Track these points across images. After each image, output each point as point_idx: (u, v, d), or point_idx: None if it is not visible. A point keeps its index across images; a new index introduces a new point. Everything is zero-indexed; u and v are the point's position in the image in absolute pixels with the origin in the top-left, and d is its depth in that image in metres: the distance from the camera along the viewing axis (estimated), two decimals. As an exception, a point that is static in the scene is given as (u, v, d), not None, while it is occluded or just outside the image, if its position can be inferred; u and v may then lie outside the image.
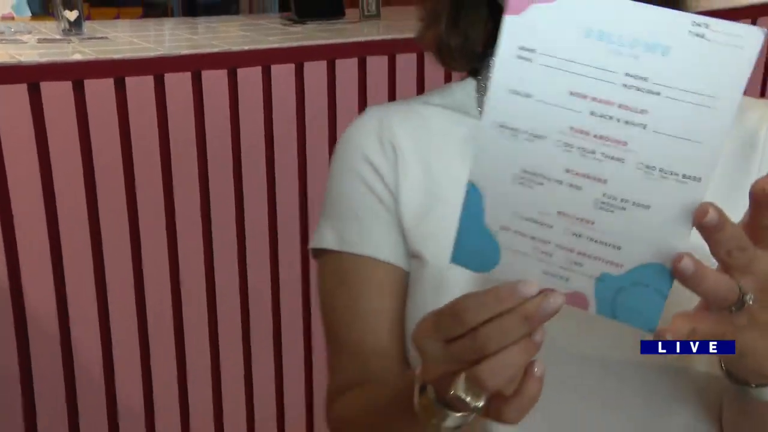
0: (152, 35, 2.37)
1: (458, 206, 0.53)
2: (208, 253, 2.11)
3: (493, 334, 0.50)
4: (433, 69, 2.26)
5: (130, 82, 1.95)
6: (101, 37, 2.25)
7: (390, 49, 2.28)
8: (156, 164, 2.02)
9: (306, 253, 2.17)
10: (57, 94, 1.88)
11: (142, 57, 1.98)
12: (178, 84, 2.02)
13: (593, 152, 0.49)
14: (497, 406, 0.54)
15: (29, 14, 2.29)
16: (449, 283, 0.73)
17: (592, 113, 0.48)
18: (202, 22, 2.72)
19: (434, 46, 0.83)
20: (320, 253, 0.84)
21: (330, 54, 2.20)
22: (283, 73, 2.14)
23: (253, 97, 2.12)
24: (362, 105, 2.26)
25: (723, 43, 0.45)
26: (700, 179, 0.48)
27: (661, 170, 0.48)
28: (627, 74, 0.47)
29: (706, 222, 0.48)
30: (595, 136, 0.48)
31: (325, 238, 0.83)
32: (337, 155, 0.85)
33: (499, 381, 0.51)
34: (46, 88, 1.86)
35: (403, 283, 0.79)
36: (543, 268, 0.52)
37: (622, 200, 0.49)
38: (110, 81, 1.93)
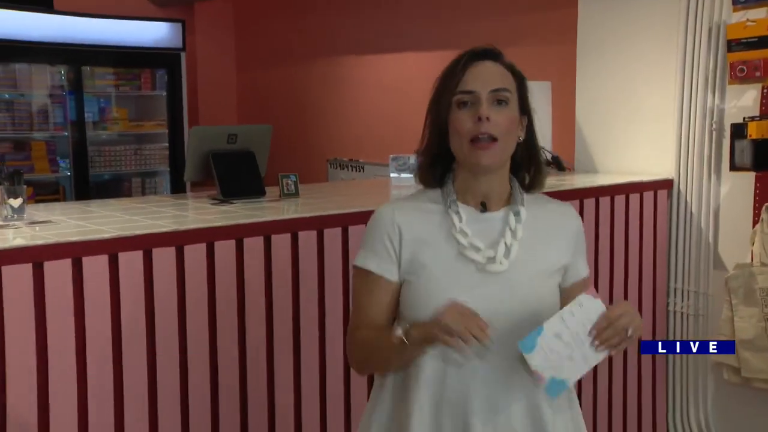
0: (95, 216, 2.46)
1: (433, 252, 1.52)
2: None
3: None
4: (356, 240, 2.44)
5: (86, 262, 2.04)
6: (45, 221, 2.33)
7: (318, 224, 2.48)
8: (108, 336, 2.08)
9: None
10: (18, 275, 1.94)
11: (98, 239, 2.08)
12: (131, 262, 2.12)
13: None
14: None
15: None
16: (425, 289, 1.52)
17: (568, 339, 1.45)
18: (132, 204, 2.84)
19: (423, 180, 1.64)
20: (356, 267, 1.59)
21: (266, 230, 2.37)
22: (224, 248, 2.29)
23: (197, 271, 2.24)
24: (295, 277, 2.42)
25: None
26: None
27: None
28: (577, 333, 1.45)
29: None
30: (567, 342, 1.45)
31: (359, 260, 1.59)
32: (373, 221, 1.60)
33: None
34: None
35: (393, 289, 1.56)
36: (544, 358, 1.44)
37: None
38: (68, 261, 2.01)
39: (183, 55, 5.73)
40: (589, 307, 1.44)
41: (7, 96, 5.28)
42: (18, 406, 1.96)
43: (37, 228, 2.23)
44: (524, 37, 4.30)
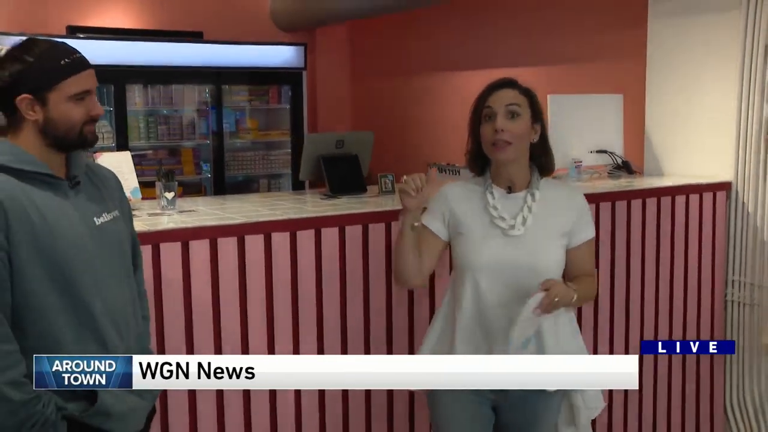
0: (228, 207, 2.81)
1: (474, 219, 2.01)
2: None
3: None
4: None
5: (220, 242, 2.37)
6: (190, 210, 2.69)
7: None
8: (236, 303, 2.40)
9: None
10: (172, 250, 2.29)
11: (229, 224, 2.41)
12: (254, 243, 2.43)
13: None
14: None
15: (140, 197, 2.73)
16: (468, 244, 2.01)
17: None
18: (258, 198, 3.18)
19: (471, 170, 2.11)
20: (423, 225, 2.03)
21: (364, 220, 2.64)
22: (329, 234, 2.57)
23: (308, 252, 2.53)
24: (388, 259, 2.67)
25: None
26: None
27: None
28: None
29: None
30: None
31: (425, 219, 2.04)
32: (436, 195, 2.07)
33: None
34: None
35: (438, 242, 2.05)
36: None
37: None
38: (206, 241, 2.35)
39: (304, 73, 6.10)
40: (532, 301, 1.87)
41: (165, 111, 5.82)
42: (172, 351, 2.31)
43: (185, 215, 2.59)
44: (599, 54, 4.41)
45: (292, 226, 2.51)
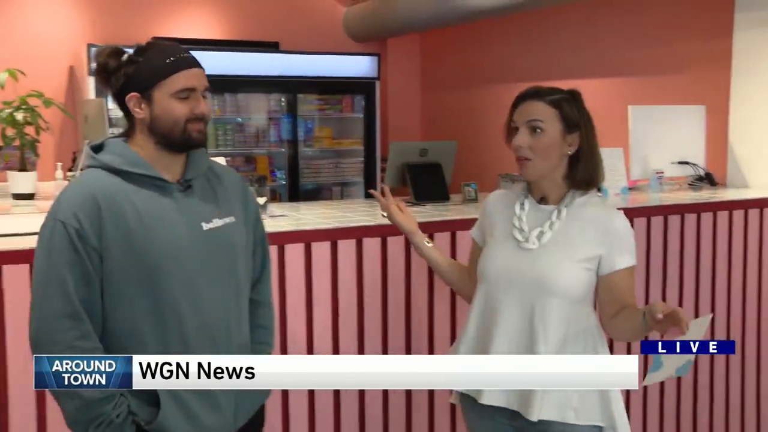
0: (317, 213, 2.86)
1: (500, 227, 1.92)
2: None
3: None
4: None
5: (314, 246, 2.42)
6: (281, 215, 2.75)
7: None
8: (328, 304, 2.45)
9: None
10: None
11: (323, 228, 2.46)
12: (347, 247, 2.48)
13: None
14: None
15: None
16: (488, 247, 1.93)
17: None
18: (344, 204, 3.23)
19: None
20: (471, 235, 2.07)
21: (452, 227, 2.66)
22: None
23: (398, 258, 2.56)
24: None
25: None
26: None
27: None
28: None
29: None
30: None
31: (472, 231, 2.05)
32: (483, 204, 2.04)
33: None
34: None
35: (480, 249, 1.98)
36: None
37: None
38: (302, 245, 2.40)
39: (377, 83, 6.17)
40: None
41: (239, 119, 5.96)
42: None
43: (277, 220, 2.65)
44: (682, 65, 4.33)
45: (384, 232, 2.54)
